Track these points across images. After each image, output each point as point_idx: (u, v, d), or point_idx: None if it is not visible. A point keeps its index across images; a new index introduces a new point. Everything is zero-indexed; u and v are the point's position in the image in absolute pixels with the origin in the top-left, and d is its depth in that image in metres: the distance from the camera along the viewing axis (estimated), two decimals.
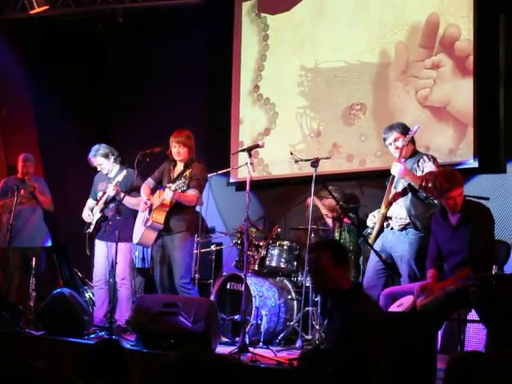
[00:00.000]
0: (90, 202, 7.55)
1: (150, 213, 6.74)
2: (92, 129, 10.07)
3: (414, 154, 6.14)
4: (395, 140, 6.12)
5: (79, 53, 10.10)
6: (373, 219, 6.24)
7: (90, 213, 7.42)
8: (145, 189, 6.93)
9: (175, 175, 6.81)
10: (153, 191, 6.94)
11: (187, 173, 6.68)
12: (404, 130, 6.16)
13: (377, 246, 6.02)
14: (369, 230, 6.26)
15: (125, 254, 7.26)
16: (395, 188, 6.10)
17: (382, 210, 6.08)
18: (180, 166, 6.83)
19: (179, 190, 6.54)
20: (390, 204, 6.06)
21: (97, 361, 3.09)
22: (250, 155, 6.45)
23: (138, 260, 9.07)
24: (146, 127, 9.73)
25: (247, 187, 6.29)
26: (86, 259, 7.72)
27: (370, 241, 6.07)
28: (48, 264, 8.71)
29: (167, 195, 6.56)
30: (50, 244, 8.45)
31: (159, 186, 6.92)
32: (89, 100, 10.28)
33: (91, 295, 8.57)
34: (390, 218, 6.05)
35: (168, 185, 6.64)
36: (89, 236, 7.36)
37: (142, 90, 10.16)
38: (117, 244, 6.87)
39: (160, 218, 6.66)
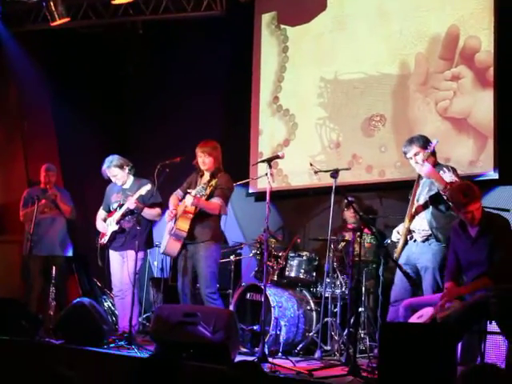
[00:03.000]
0: (102, 213, 7.51)
1: (175, 222, 6.75)
2: (111, 139, 10.15)
3: (435, 165, 6.11)
4: (415, 154, 6.11)
5: (99, 64, 10.18)
6: (397, 235, 6.24)
7: (104, 223, 7.38)
8: (173, 199, 6.96)
9: (201, 185, 6.85)
10: (181, 201, 6.93)
11: (213, 182, 6.69)
12: (424, 143, 6.13)
13: (402, 259, 6.06)
14: (388, 241, 6.25)
15: (135, 261, 7.21)
16: (417, 201, 6.10)
17: (406, 223, 6.10)
18: (206, 176, 6.84)
19: (199, 195, 6.58)
20: (412, 217, 6.07)
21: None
22: (270, 166, 6.43)
23: (156, 270, 9.09)
24: (165, 138, 9.77)
25: (267, 198, 6.27)
26: (104, 269, 7.72)
27: (396, 255, 6.09)
28: (68, 273, 8.76)
29: (188, 201, 6.61)
30: (71, 254, 8.49)
31: None
32: (108, 110, 10.35)
33: (110, 304, 8.60)
34: (413, 231, 6.08)
35: (189, 190, 6.69)
36: (102, 247, 7.33)
37: (161, 100, 10.20)
38: (136, 254, 6.88)
39: (183, 225, 6.67)
